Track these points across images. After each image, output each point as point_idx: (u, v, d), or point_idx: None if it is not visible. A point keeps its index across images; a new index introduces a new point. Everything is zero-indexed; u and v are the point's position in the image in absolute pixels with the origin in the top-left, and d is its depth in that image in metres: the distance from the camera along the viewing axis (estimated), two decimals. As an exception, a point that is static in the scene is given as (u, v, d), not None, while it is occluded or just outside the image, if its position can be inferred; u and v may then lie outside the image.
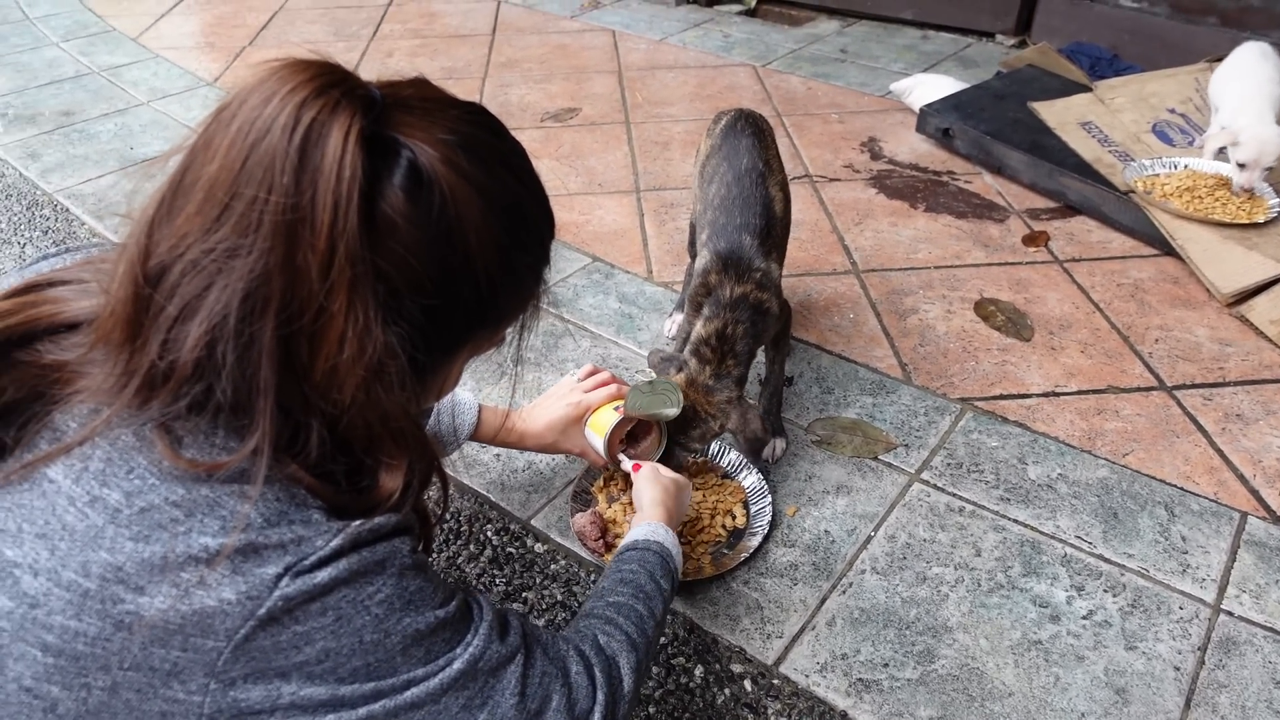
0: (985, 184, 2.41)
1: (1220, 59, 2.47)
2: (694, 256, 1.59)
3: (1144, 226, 2.10)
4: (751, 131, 1.47)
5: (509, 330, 0.86)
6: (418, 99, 0.72)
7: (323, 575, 0.64)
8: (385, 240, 0.66)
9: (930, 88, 2.72)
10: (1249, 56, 2.25)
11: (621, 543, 1.11)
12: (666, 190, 2.39)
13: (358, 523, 0.67)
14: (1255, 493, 1.48)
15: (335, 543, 0.65)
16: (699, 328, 1.31)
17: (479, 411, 1.35)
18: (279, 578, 0.63)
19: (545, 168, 2.49)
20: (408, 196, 0.67)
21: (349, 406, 0.67)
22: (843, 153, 2.58)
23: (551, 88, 3.03)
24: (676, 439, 1.32)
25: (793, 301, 1.95)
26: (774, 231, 1.32)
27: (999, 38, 3.35)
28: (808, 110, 2.84)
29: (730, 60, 3.24)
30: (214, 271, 0.64)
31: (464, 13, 3.78)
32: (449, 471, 1.51)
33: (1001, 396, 1.69)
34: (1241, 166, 2.05)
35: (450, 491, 0.95)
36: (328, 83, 0.66)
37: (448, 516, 1.45)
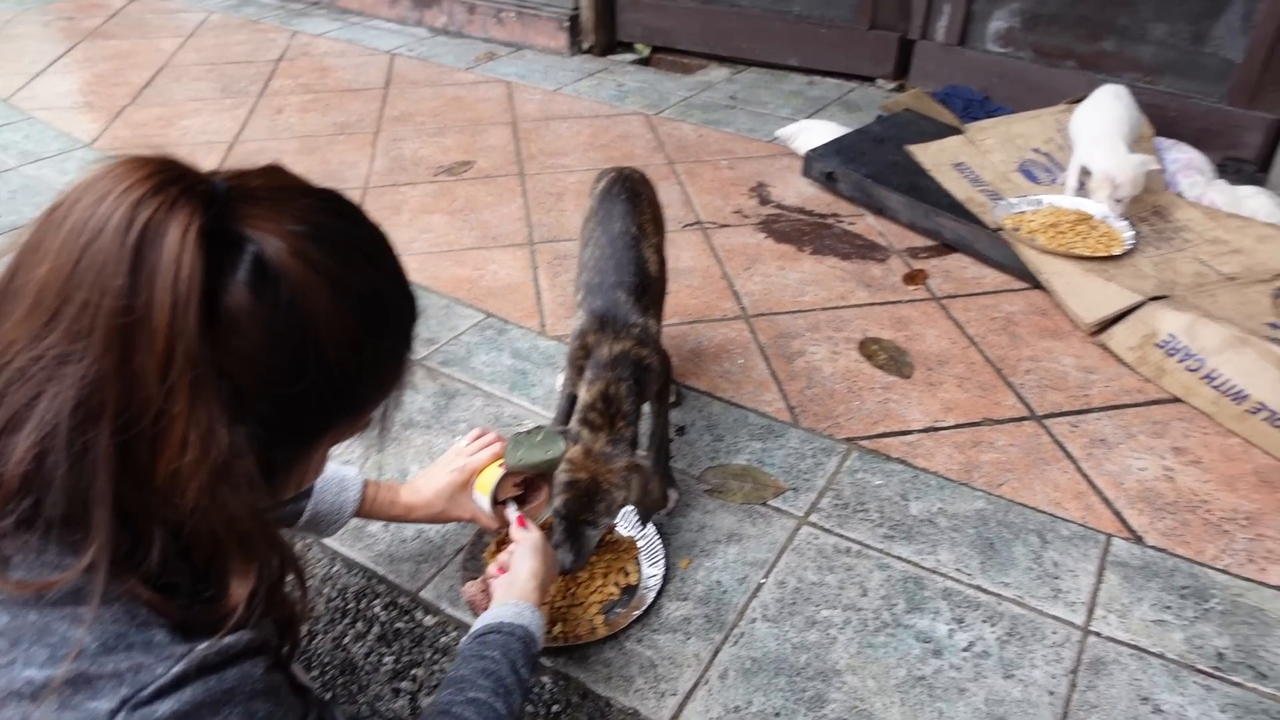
0: (868, 225, 2.51)
1: (1079, 100, 2.63)
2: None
3: (1014, 262, 2.21)
4: (626, 196, 1.50)
5: (375, 413, 0.85)
6: (266, 189, 0.72)
7: (163, 709, 0.61)
8: (229, 338, 0.65)
9: (814, 133, 2.82)
10: (1104, 98, 2.41)
11: (485, 617, 1.10)
12: (560, 242, 2.41)
13: (204, 645, 0.64)
14: (1119, 514, 1.57)
15: (177, 669, 0.62)
16: (582, 393, 1.32)
17: (363, 487, 1.33)
18: (113, 713, 0.59)
19: (439, 223, 2.49)
20: (253, 292, 0.66)
21: (193, 511, 0.64)
22: (733, 198, 2.65)
23: (446, 141, 3.04)
24: (583, 518, 1.29)
25: (684, 349, 1.99)
26: (650, 289, 1.35)
27: (880, 82, 3.50)
28: (699, 157, 2.92)
29: (624, 109, 3.31)
30: (43, 380, 0.62)
31: (357, 66, 3.77)
32: (334, 545, 1.49)
33: (885, 434, 1.75)
34: (1118, 201, 2.20)
35: (310, 598, 0.92)
36: (165, 180, 0.65)
37: (326, 602, 1.42)
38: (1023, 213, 2.32)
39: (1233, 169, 2.75)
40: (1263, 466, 1.67)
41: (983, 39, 3.22)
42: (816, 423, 1.78)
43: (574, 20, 3.81)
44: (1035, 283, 2.18)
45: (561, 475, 1.28)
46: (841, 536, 1.52)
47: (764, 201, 2.64)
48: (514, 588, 1.16)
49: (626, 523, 1.51)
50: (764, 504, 1.59)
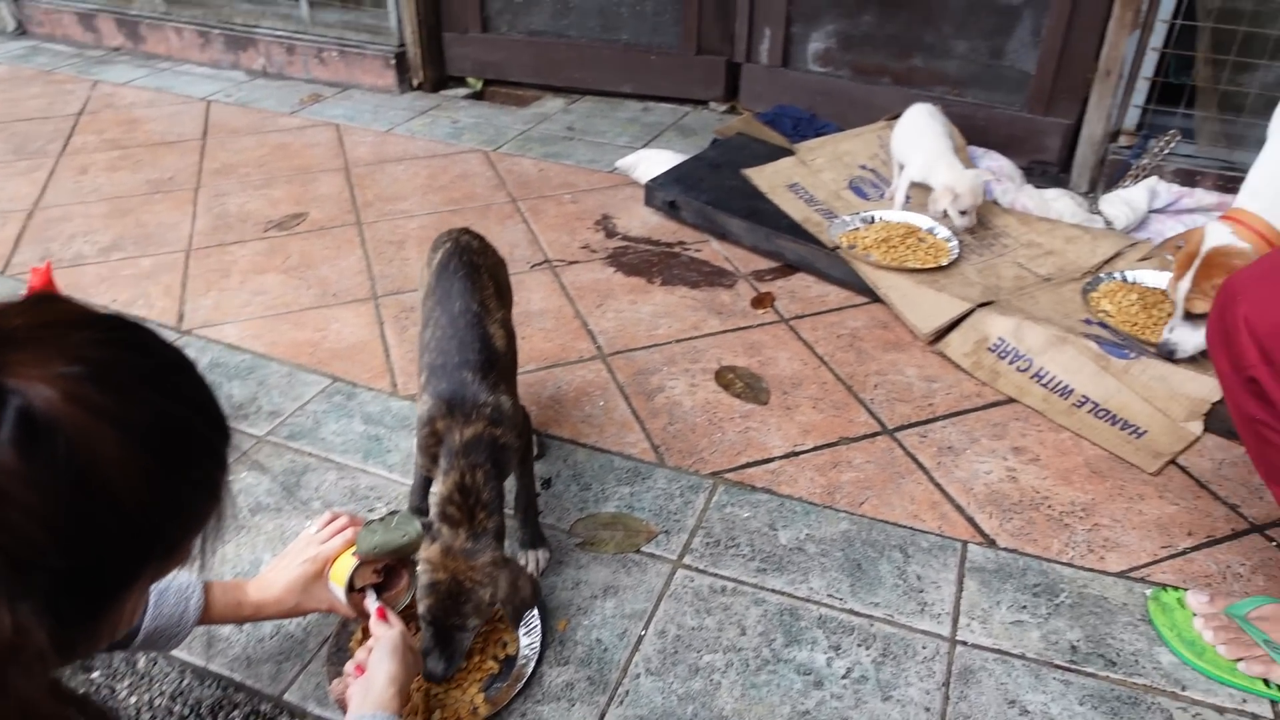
0: (713, 250, 2.55)
1: (896, 116, 2.78)
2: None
3: (853, 278, 2.30)
4: (465, 272, 1.43)
5: (196, 542, 0.78)
6: (30, 328, 0.64)
7: None
8: None
9: (653, 162, 2.85)
10: (922, 117, 2.54)
11: None
12: (406, 294, 2.33)
13: None
14: (971, 520, 1.64)
15: None
16: (437, 486, 1.25)
17: (205, 593, 1.23)
18: None
19: (273, 283, 2.36)
20: (21, 451, 0.58)
21: None
22: (579, 233, 2.64)
23: (274, 193, 2.89)
24: (450, 621, 1.22)
25: (542, 396, 1.96)
26: (498, 364, 1.31)
27: (712, 105, 3.58)
28: (541, 193, 2.89)
29: (461, 147, 3.24)
30: None
31: (169, 116, 3.53)
32: (183, 655, 1.37)
33: (748, 464, 1.77)
34: (963, 213, 2.33)
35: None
36: None
37: (186, 713, 1.31)
38: (856, 229, 2.42)
39: (1038, 171, 2.96)
40: (1092, 457, 1.79)
41: (804, 60, 3.35)
42: (682, 460, 1.78)
43: (401, 57, 3.71)
44: (875, 297, 2.27)
45: (422, 577, 1.22)
46: (716, 576, 1.53)
47: (610, 234, 2.64)
48: (370, 695, 1.09)
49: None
50: (637, 551, 1.57)
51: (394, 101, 3.69)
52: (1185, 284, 1.84)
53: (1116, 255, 2.26)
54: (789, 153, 2.79)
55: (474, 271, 1.44)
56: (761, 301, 2.30)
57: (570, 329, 2.20)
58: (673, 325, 2.21)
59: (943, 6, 2.99)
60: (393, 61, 3.70)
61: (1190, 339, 1.86)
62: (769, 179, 2.67)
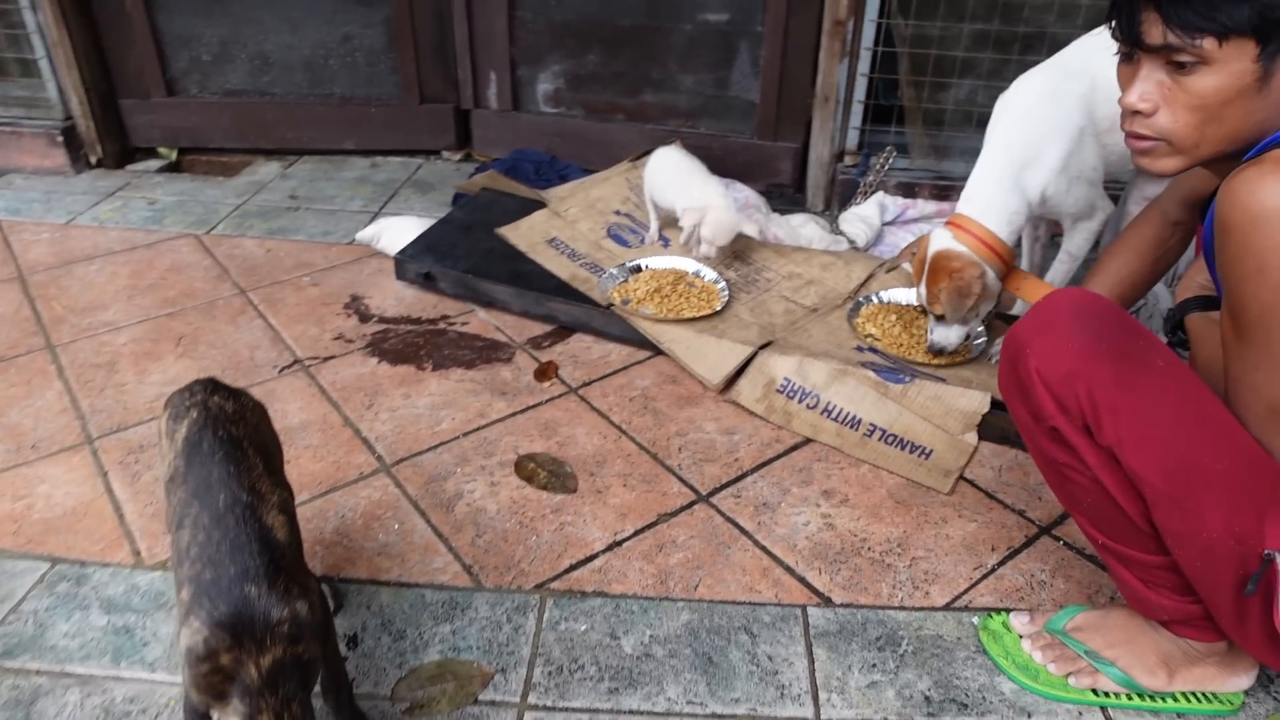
0: (481, 321, 2.39)
1: (641, 156, 2.77)
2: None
3: (632, 334, 2.24)
4: (225, 452, 1.16)
5: None
6: None
7: None
8: None
9: (398, 231, 2.64)
10: (675, 157, 2.52)
11: None
12: (129, 430, 1.96)
13: None
14: (803, 580, 1.63)
15: None
16: None
17: None
18: None
19: (-55, 445, 1.90)
20: None
21: None
22: (328, 321, 2.38)
23: (-75, 321, 2.35)
24: None
25: (325, 531, 1.71)
26: (284, 562, 1.08)
27: (445, 154, 3.40)
28: (275, 278, 2.58)
29: (166, 233, 2.83)
30: None
31: None
32: None
33: (572, 567, 1.65)
34: (705, 241, 2.33)
35: None
36: None
37: None
38: (625, 282, 2.36)
39: (776, 194, 3.09)
40: (894, 487, 1.85)
41: (535, 102, 3.27)
42: (500, 577, 1.62)
43: (70, 131, 3.18)
44: (657, 350, 2.23)
45: None
46: (568, 710, 1.39)
47: (364, 318, 2.40)
48: None
49: None
50: (475, 702, 1.40)
51: (70, 185, 3.15)
52: (922, 289, 1.99)
53: (870, 277, 2.38)
54: (540, 205, 2.69)
55: (235, 448, 1.17)
56: (545, 373, 2.18)
57: (341, 441, 1.95)
58: (456, 416, 2.03)
59: (664, 43, 3.03)
60: (60, 138, 3.16)
61: (948, 335, 2.02)
62: (526, 236, 2.55)
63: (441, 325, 2.38)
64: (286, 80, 3.28)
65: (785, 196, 3.09)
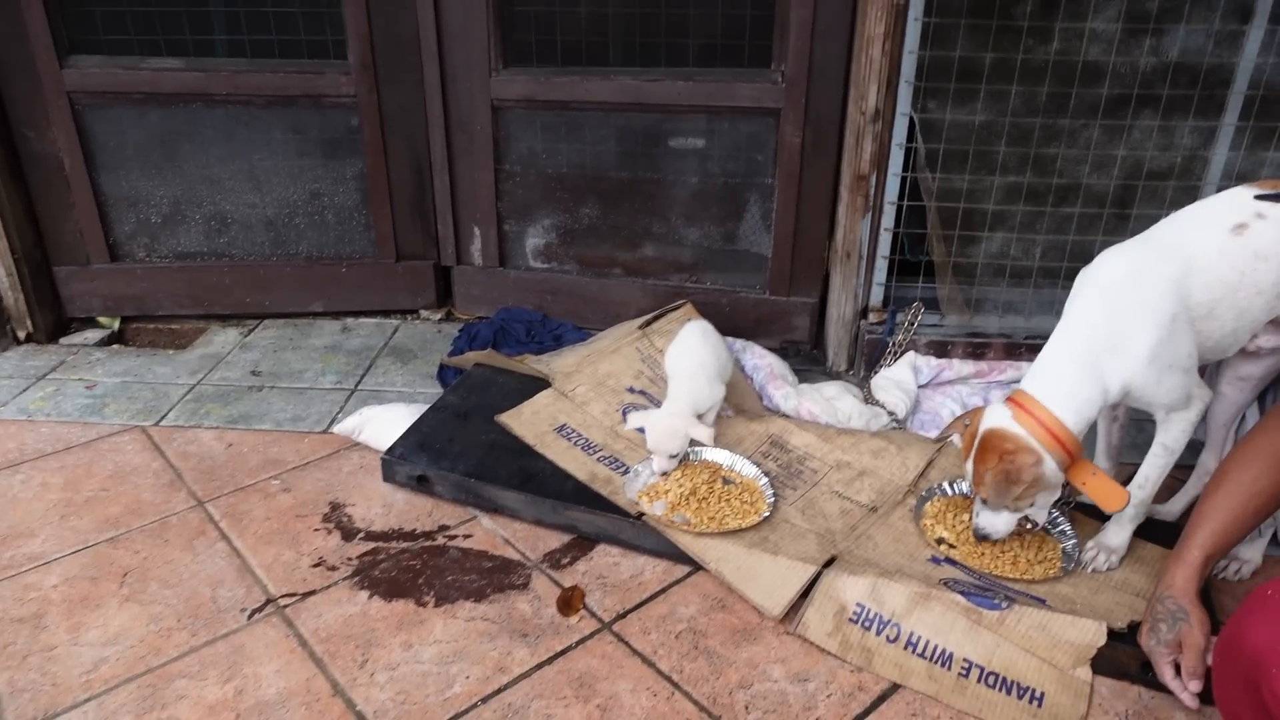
0: (487, 533, 2.05)
1: (650, 321, 2.52)
2: None
3: (667, 545, 1.93)
4: None
5: None
6: None
7: None
8: None
9: (383, 422, 2.31)
10: (687, 338, 2.26)
11: None
12: (65, 713, 1.56)
13: None
14: None
15: None
16: None
17: None
18: None
19: None
20: None
21: None
22: (306, 541, 2.02)
23: None
24: None
25: None
26: None
27: (424, 313, 3.11)
28: (238, 482, 2.22)
29: (107, 426, 2.45)
30: None
31: None
32: None
33: None
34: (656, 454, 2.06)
35: None
36: None
37: None
38: (655, 481, 2.06)
39: (793, 351, 2.85)
40: (1014, 755, 1.54)
41: (524, 257, 3.01)
42: None
43: (-4, 304, 2.82)
44: (696, 563, 1.91)
45: None
46: None
47: (348, 534, 2.04)
48: None
49: None
50: None
51: (-7, 366, 2.77)
52: (969, 465, 1.77)
53: (929, 464, 2.12)
54: (544, 383, 2.39)
55: None
56: (570, 603, 1.84)
57: (331, 718, 1.58)
58: (471, 673, 1.67)
59: (666, 195, 2.82)
60: (-17, 313, 2.79)
61: (994, 522, 1.78)
62: (531, 425, 2.24)
63: (440, 540, 2.03)
64: (247, 241, 2.98)
65: (802, 354, 2.85)
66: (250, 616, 1.80)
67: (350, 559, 1.97)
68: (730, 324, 2.78)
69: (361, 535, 2.04)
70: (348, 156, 2.89)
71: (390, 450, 2.17)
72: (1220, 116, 2.43)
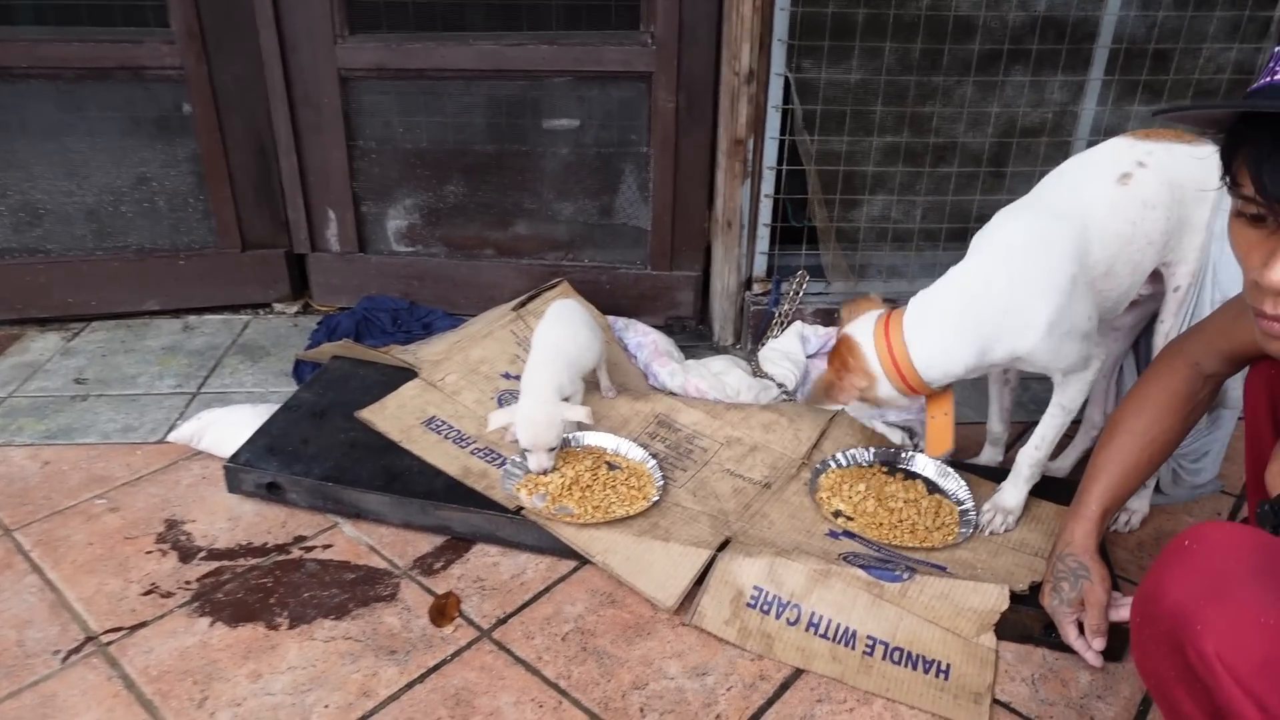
0: (349, 541, 1.85)
1: (526, 301, 2.36)
2: None
3: (550, 539, 1.77)
4: None
5: None
6: None
7: None
8: None
9: (226, 426, 2.06)
10: (550, 317, 2.09)
11: None
12: None
13: None
14: None
15: None
16: None
17: None
18: None
19: None
20: None
21: None
22: (134, 566, 1.76)
23: None
24: None
25: None
26: None
27: (278, 307, 2.84)
28: (54, 505, 1.93)
29: (-106, 450, 2.11)
30: None
31: None
32: None
33: None
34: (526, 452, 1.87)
35: None
36: None
37: None
38: (533, 474, 1.89)
39: (678, 328, 2.73)
40: (925, 734, 1.45)
41: (386, 241, 2.79)
42: None
43: None
44: (583, 557, 1.76)
45: None
46: None
47: (187, 554, 1.80)
48: None
49: None
50: None
51: None
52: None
53: (821, 435, 2.03)
54: (410, 374, 2.18)
55: None
56: (444, 612, 1.66)
57: (162, 773, 1.35)
58: (331, 701, 1.47)
59: (536, 169, 2.64)
60: None
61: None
62: (396, 419, 2.04)
63: (296, 553, 1.81)
64: (65, 235, 2.64)
65: (688, 330, 2.73)
66: (65, 659, 1.55)
67: (189, 582, 1.73)
68: (612, 302, 2.64)
69: (202, 555, 1.80)
70: (178, 136, 2.60)
71: (234, 457, 1.93)
72: (1087, 71, 2.43)
